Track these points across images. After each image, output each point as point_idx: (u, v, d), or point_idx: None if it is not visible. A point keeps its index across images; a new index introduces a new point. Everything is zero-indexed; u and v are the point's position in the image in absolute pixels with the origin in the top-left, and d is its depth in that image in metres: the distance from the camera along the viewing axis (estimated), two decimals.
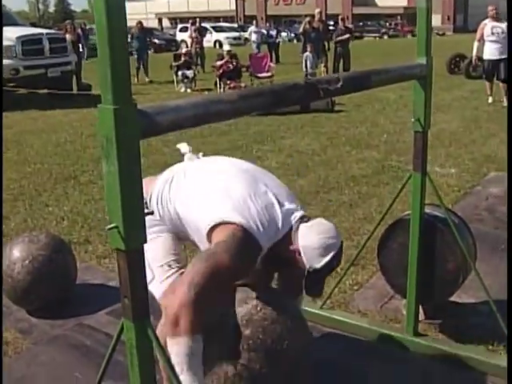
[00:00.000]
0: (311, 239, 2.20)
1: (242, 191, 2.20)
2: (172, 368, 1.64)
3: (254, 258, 2.15)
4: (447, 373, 2.77)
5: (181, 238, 2.42)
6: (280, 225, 2.21)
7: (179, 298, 1.93)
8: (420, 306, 3.05)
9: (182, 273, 2.19)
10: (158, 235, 2.36)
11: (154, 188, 2.36)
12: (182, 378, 1.87)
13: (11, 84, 11.93)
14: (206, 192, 2.22)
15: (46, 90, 12.42)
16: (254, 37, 23.27)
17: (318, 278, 2.26)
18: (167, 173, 2.44)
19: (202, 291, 1.93)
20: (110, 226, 1.42)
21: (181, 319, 1.92)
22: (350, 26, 19.30)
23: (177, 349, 1.93)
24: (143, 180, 1.47)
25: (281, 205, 2.24)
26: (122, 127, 1.35)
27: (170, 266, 2.27)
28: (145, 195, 2.14)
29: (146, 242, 1.47)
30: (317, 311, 3.23)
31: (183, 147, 2.61)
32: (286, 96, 1.80)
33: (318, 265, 2.20)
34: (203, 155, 2.63)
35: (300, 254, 2.21)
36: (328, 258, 2.19)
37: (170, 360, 1.72)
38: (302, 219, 2.26)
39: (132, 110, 1.38)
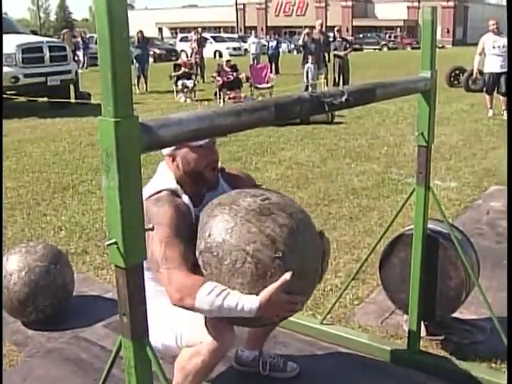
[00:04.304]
0: None
1: None
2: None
3: (175, 202, 2.09)
4: None
5: None
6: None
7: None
8: (422, 322, 3.01)
9: None
10: None
11: None
12: (226, 306, 1.94)
13: (11, 92, 11.90)
14: None
15: (45, 99, 12.41)
16: (252, 48, 22.88)
17: None
18: None
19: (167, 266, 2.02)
20: (109, 242, 1.38)
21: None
22: (349, 38, 19.22)
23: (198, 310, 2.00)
24: None
25: None
26: (123, 141, 1.32)
27: None
28: None
29: (146, 258, 1.43)
30: (317, 326, 3.19)
31: None
32: (290, 109, 1.77)
33: None
34: None
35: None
36: None
37: (168, 381, 1.68)
38: None
39: (134, 123, 1.34)
